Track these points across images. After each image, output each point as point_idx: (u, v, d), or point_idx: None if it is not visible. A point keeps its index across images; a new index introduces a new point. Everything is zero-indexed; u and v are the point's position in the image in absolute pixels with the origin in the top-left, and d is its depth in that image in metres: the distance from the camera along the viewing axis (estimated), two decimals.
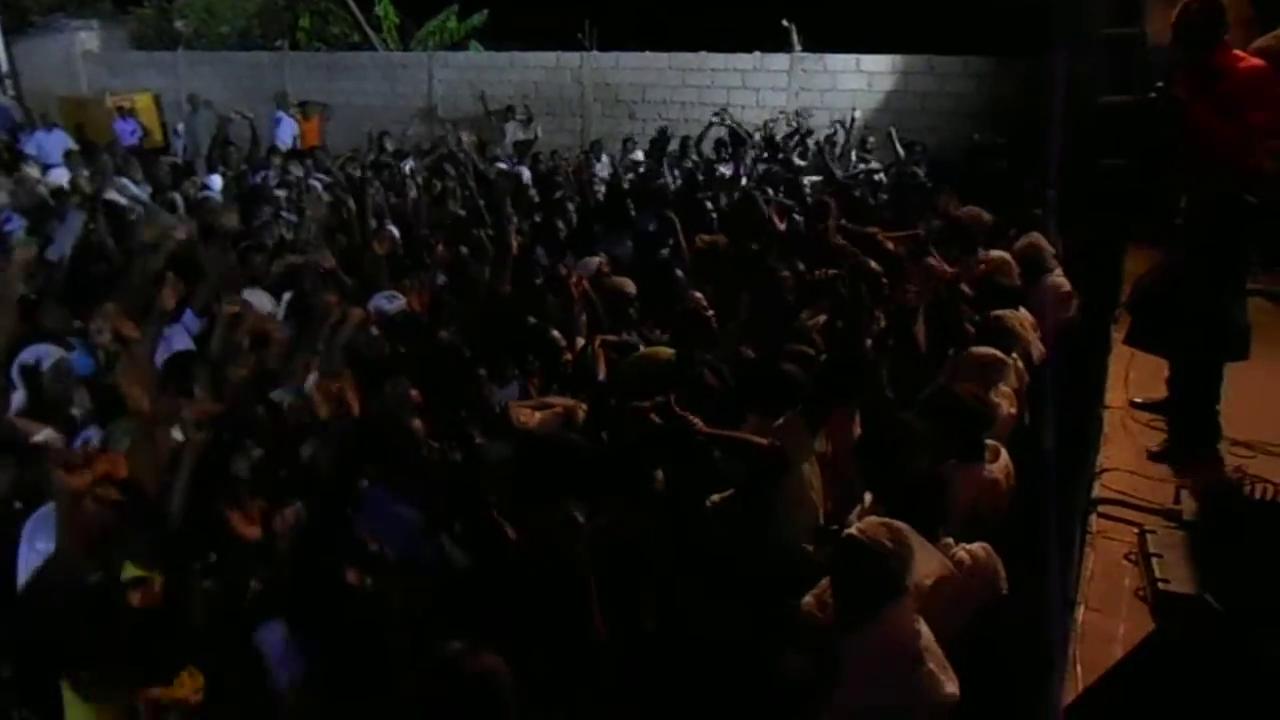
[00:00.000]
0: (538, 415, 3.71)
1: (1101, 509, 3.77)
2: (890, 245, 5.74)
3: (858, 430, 3.79)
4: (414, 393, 3.73)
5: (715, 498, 3.48)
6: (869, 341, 4.41)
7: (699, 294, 5.09)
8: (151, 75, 17.45)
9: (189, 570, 3.03)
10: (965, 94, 12.44)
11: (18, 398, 4.29)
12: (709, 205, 7.57)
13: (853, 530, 2.71)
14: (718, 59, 13.95)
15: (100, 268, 6.08)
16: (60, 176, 9.62)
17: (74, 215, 7.08)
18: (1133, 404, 4.60)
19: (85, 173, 9.14)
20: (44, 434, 3.85)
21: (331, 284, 5.30)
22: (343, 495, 3.44)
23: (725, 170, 9.55)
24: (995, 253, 5.71)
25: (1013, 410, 4.21)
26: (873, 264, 5.22)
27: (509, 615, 2.74)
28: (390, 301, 4.98)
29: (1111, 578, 3.37)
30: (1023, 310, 4.97)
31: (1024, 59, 11.62)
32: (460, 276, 5.59)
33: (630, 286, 5.07)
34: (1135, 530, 3.57)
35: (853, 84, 13.07)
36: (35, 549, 3.04)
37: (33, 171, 9.98)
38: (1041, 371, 4.66)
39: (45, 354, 4.31)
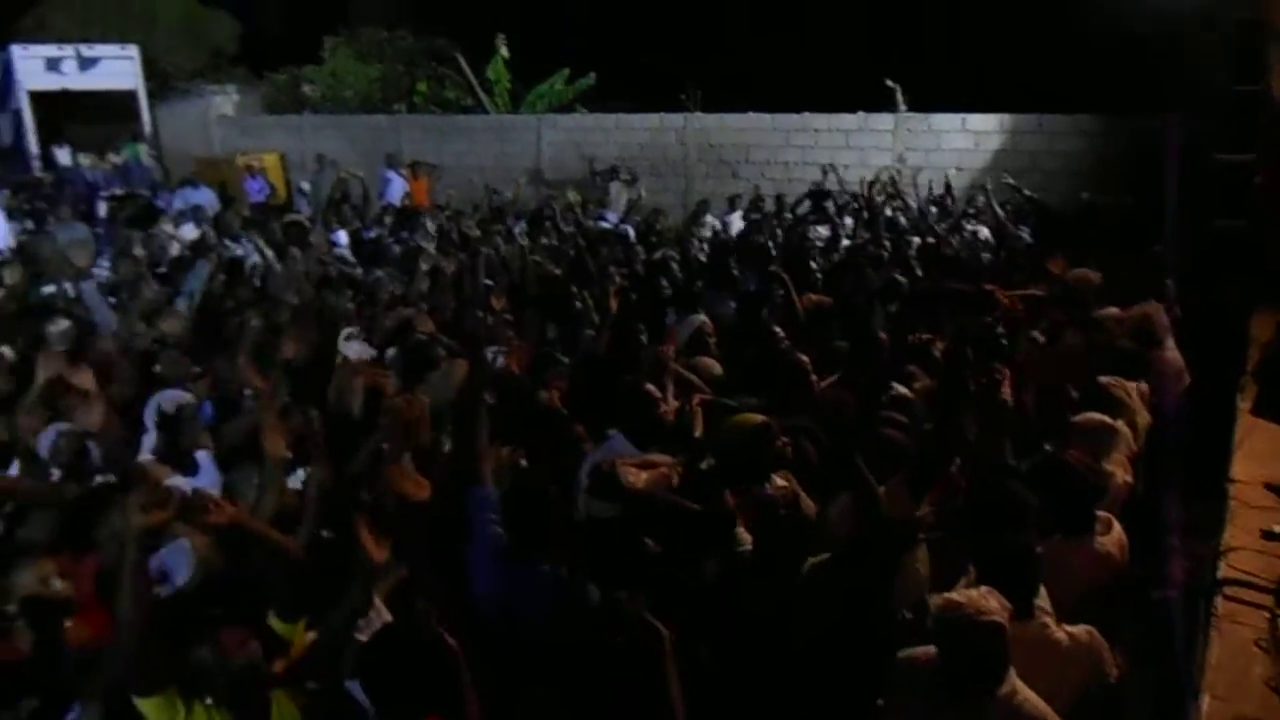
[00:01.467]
0: (645, 475, 3.71)
1: (1227, 590, 3.56)
2: (1007, 303, 5.63)
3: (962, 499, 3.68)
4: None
5: (813, 560, 3.42)
6: (977, 407, 4.28)
7: (802, 355, 5.05)
8: (278, 137, 18.48)
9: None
10: (1075, 153, 12.18)
11: (148, 440, 4.52)
12: (812, 265, 7.55)
13: (960, 607, 2.62)
14: (821, 119, 14.00)
15: (222, 319, 6.39)
16: (191, 232, 10.21)
17: (200, 267, 7.53)
18: (1268, 487, 4.32)
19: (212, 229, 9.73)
20: (176, 481, 4.04)
21: (438, 340, 5.46)
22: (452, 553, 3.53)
23: (823, 230, 9.52)
24: (1115, 311, 5.51)
25: (1128, 479, 4.04)
26: (986, 323, 5.11)
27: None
28: (495, 358, 5.09)
29: (1239, 665, 3.16)
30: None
31: (1136, 117, 11.33)
32: (561, 335, 5.69)
33: (716, 369, 5.06)
34: (1265, 615, 3.36)
35: (959, 143, 12.95)
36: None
37: (166, 227, 10.61)
38: (1155, 442, 4.46)
39: (178, 399, 4.54)
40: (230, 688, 2.66)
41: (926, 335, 5.16)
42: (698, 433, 4.03)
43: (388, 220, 10.57)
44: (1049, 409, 4.44)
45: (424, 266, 6.42)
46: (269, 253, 7.63)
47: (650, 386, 4.56)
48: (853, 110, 13.66)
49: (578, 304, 5.75)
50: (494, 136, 16.86)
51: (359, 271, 7.92)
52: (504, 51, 17.88)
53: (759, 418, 3.77)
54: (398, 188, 14.01)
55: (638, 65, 16.60)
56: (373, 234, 9.65)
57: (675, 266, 7.76)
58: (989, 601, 2.60)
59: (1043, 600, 3.02)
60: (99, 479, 4.16)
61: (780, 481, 3.66)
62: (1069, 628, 2.92)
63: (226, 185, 14.71)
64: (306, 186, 15.08)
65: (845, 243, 8.82)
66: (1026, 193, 9.85)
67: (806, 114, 14.11)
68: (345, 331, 5.71)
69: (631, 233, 9.79)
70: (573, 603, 3.14)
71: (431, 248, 7.61)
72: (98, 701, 2.79)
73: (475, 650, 2.80)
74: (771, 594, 3.11)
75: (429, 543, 3.65)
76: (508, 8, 18.11)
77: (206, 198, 13.07)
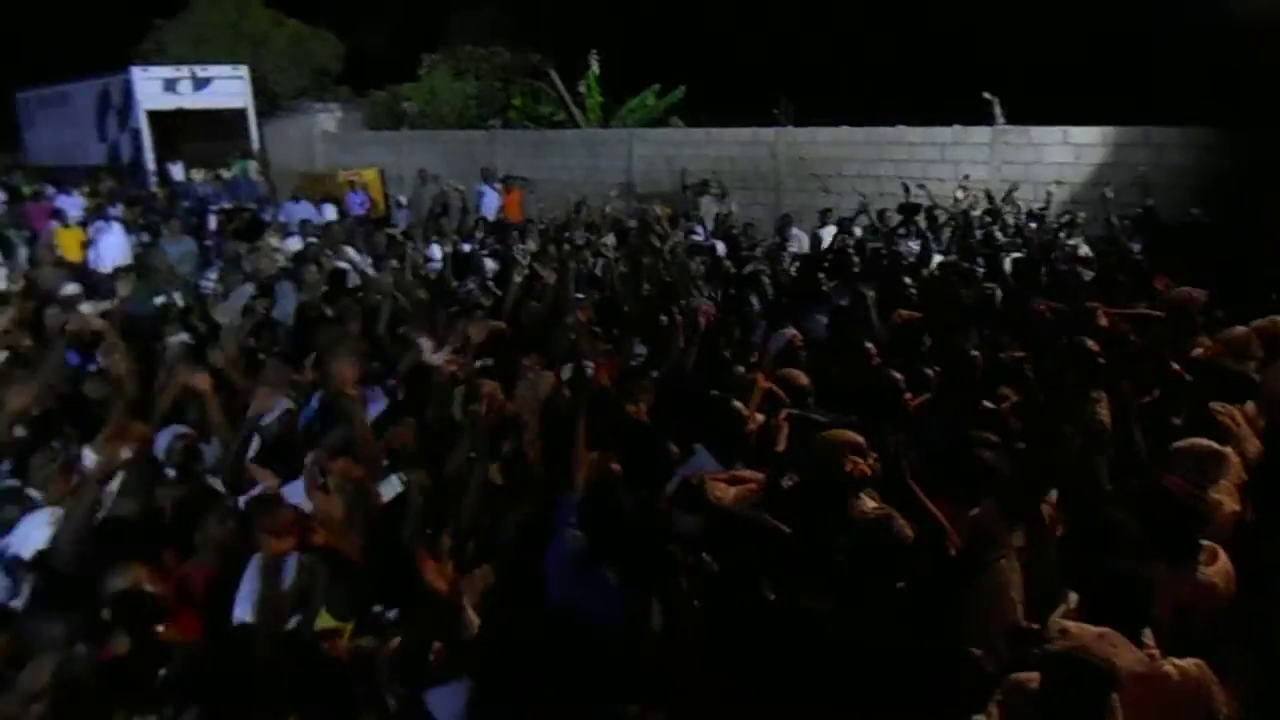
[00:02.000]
0: (733, 491, 3.71)
1: None
2: (1108, 321, 5.45)
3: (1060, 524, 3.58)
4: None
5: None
6: (1078, 429, 4.15)
7: (894, 372, 4.98)
8: (378, 152, 19.07)
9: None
10: (1184, 167, 11.71)
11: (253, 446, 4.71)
12: (907, 280, 7.44)
13: (1069, 641, 2.55)
14: (915, 133, 13.79)
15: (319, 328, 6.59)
16: (296, 244, 10.60)
17: (284, 287, 7.85)
18: None
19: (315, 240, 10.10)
20: (264, 484, 4.21)
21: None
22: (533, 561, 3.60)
23: (914, 245, 9.36)
24: (1238, 330, 5.26)
25: (1235, 508, 3.86)
26: (1089, 344, 4.96)
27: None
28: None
29: None
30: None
31: (1250, 129, 10.85)
32: (650, 349, 5.72)
33: (803, 379, 5.01)
34: None
35: (1059, 157, 12.57)
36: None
37: (271, 240, 11.03)
38: (1267, 468, 4.25)
39: (281, 406, 4.72)
40: None
41: (1020, 353, 5.03)
42: (781, 447, 4.01)
43: (479, 235, 10.80)
44: (1150, 433, 4.29)
45: (517, 279, 6.51)
46: (368, 264, 7.86)
47: (736, 403, 4.56)
48: (948, 124, 13.42)
49: (666, 319, 5.76)
50: (586, 151, 17.09)
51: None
52: (596, 67, 18.12)
53: (848, 434, 3.73)
54: (491, 202, 14.29)
55: (729, 79, 16.62)
56: (468, 247, 9.87)
57: (765, 281, 7.73)
58: (1114, 648, 2.52)
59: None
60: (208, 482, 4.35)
61: (870, 502, 3.61)
62: (1177, 661, 2.81)
63: (334, 199, 15.26)
64: (404, 200, 15.51)
65: (938, 259, 8.66)
66: (1149, 203, 9.53)
67: (900, 127, 13.92)
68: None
69: (721, 247, 9.79)
70: (633, 613, 3.16)
71: (526, 260, 7.72)
72: None
73: (550, 653, 2.85)
74: (861, 618, 3.08)
75: (516, 547, 3.72)
76: (600, 24, 18.38)
77: (308, 212, 13.56)
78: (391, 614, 3.44)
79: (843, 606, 3.07)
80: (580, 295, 6.72)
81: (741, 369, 5.28)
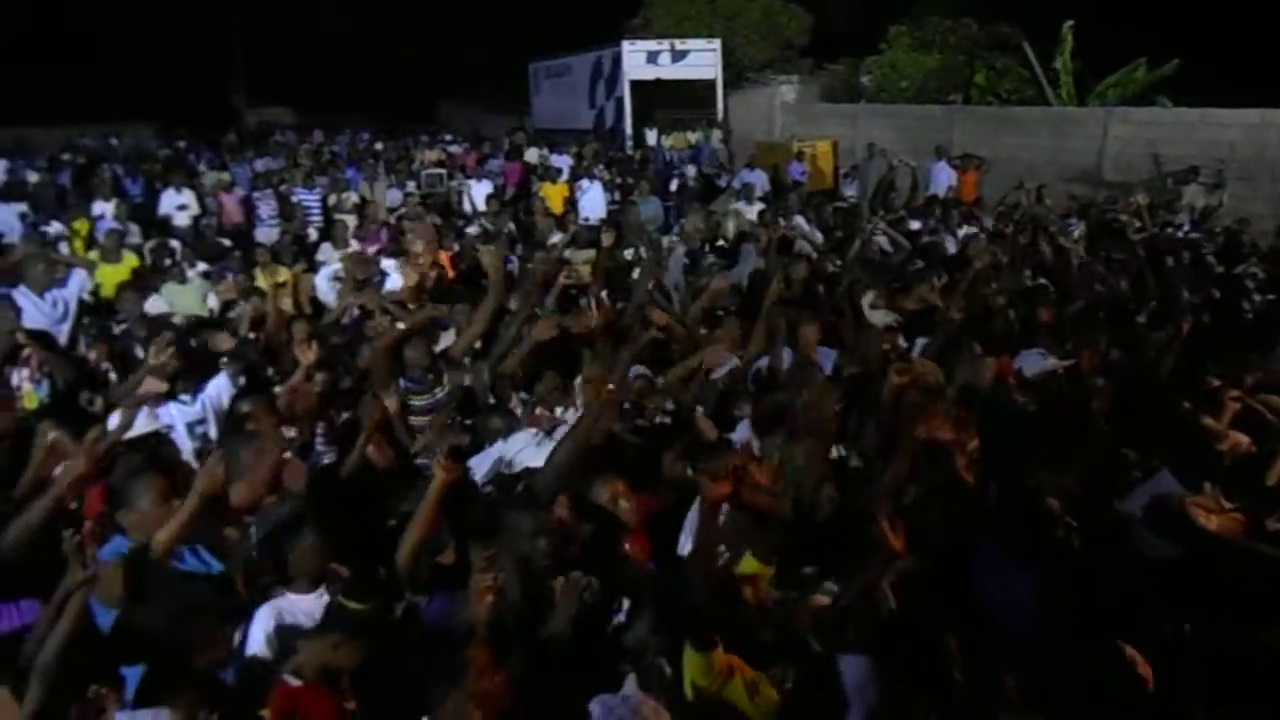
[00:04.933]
0: (1216, 518, 3.35)
1: None
2: None
3: None
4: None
5: None
6: None
7: None
8: (833, 124, 19.25)
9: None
10: None
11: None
12: None
13: None
14: None
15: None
16: (752, 211, 11.13)
17: (750, 247, 8.24)
18: None
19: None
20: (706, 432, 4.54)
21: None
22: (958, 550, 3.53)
23: None
24: None
25: None
26: None
27: None
28: (1038, 360, 4.88)
29: None
30: None
31: None
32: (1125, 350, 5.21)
33: None
34: None
35: None
36: None
37: (739, 206, 11.62)
38: None
39: (731, 364, 5.08)
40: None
41: None
42: (1274, 480, 3.51)
43: (935, 212, 10.57)
44: None
45: (977, 264, 6.24)
46: (815, 235, 8.04)
47: (1210, 421, 4.08)
48: None
49: (1140, 319, 5.26)
50: (1052, 130, 15.89)
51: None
52: (1071, 40, 16.69)
53: None
54: (943, 180, 13.87)
55: (1231, 52, 14.36)
56: (916, 224, 9.70)
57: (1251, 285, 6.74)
58: None
59: None
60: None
61: None
62: None
63: (777, 169, 15.74)
64: (846, 172, 15.59)
65: None
66: None
67: None
68: (869, 297, 5.83)
69: (1206, 244, 8.67)
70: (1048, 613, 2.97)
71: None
72: None
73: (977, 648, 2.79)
74: None
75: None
76: None
77: (760, 179, 14.13)
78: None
79: None
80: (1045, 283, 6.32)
81: (1216, 382, 4.68)
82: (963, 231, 9.54)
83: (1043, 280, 6.52)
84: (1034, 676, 2.88)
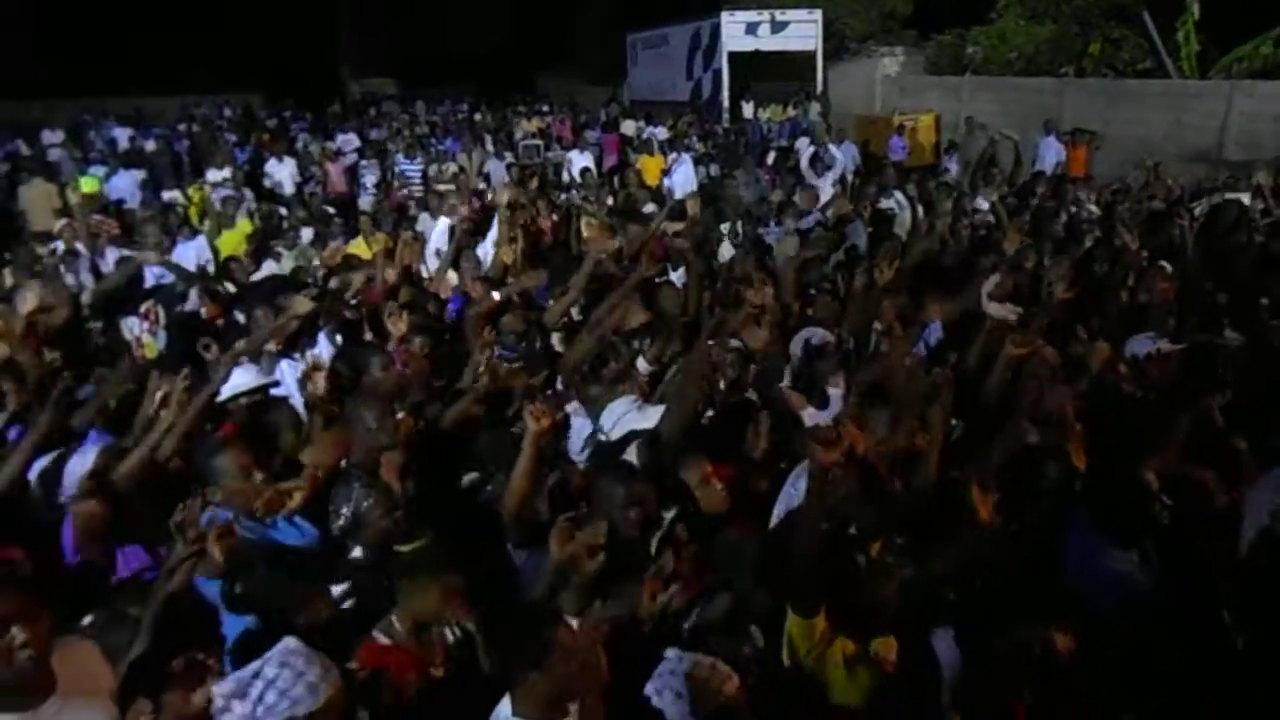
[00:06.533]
0: None
1: None
2: None
3: None
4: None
5: None
6: None
7: None
8: (936, 98, 18.72)
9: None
10: None
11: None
12: None
13: None
14: None
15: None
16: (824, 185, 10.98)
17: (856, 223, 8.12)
18: None
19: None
20: (808, 413, 4.49)
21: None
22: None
23: None
24: None
25: None
26: None
27: None
28: (1145, 344, 4.72)
29: None
30: None
31: None
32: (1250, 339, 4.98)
33: None
34: None
35: None
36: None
37: (813, 179, 11.45)
38: None
39: (823, 337, 5.01)
40: None
41: None
42: None
43: (1040, 189, 10.21)
44: None
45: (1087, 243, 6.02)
46: (918, 209, 7.85)
47: None
48: None
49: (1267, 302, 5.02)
50: (1170, 105, 15.12)
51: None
52: (1196, 10, 15.84)
53: None
54: (1052, 155, 13.36)
55: None
56: (984, 205, 9.39)
57: None
58: None
59: None
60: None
61: None
62: None
63: (870, 143, 15.36)
64: (946, 146, 15.17)
65: None
66: None
67: None
68: (989, 285, 5.66)
69: None
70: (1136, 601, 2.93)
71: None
72: None
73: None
74: None
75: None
76: None
77: (849, 153, 13.84)
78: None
79: None
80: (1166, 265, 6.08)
81: None
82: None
83: (1162, 262, 6.24)
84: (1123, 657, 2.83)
